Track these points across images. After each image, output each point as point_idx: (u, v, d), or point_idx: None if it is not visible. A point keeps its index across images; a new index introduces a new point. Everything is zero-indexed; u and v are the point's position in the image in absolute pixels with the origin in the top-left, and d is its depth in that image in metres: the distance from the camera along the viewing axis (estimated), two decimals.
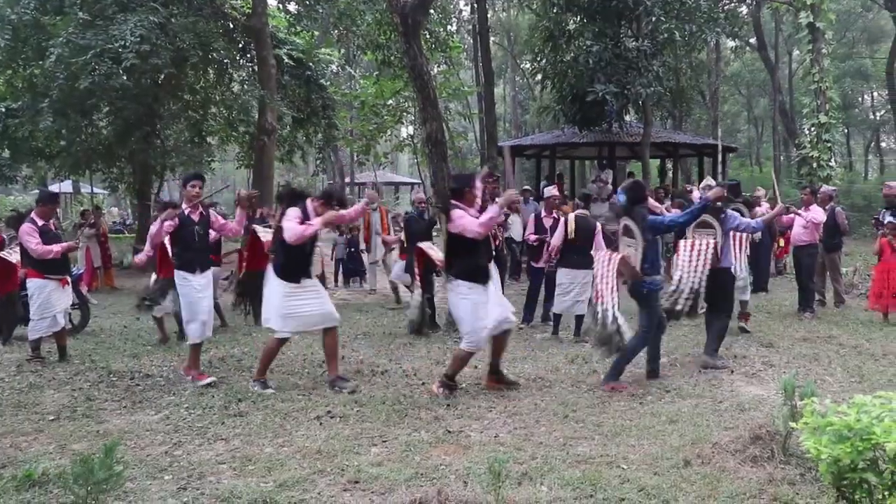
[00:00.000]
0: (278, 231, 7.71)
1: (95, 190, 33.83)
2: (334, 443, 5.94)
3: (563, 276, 10.49)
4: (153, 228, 8.16)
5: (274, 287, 7.65)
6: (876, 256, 12.18)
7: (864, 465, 4.01)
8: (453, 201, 7.47)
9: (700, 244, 8.41)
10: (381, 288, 16.21)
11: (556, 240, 10.58)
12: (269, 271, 7.76)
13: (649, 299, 7.91)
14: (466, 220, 7.22)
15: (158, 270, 10.01)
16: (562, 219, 10.73)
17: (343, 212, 8.02)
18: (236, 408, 7.04)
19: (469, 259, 7.38)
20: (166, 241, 8.54)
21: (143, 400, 7.46)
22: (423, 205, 12.82)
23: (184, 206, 8.21)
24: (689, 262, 8.36)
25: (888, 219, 12.17)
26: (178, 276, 8.15)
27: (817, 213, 12.41)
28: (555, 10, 21.74)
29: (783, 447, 5.30)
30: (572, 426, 6.39)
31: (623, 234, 7.99)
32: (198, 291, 8.09)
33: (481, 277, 7.39)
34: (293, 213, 7.59)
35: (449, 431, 6.26)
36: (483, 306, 7.33)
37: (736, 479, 5.04)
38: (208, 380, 7.98)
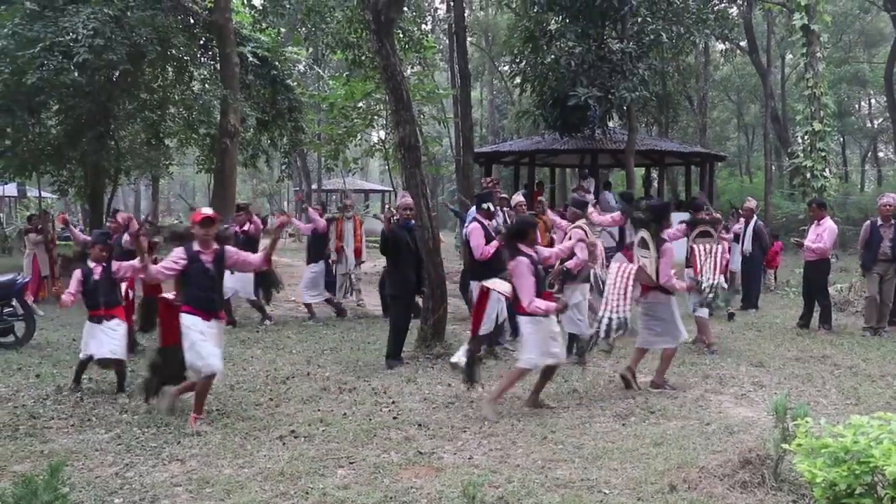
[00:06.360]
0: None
1: (43, 194, 33.49)
2: (298, 464, 5.91)
3: (579, 293, 9.85)
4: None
5: None
6: None
7: (862, 489, 4.02)
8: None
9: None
10: (347, 301, 16.13)
11: (582, 256, 9.58)
12: None
13: None
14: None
15: None
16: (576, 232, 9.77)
17: None
18: (193, 426, 6.98)
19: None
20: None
21: (93, 418, 7.38)
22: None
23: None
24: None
25: None
26: None
27: (823, 229, 12.39)
28: (535, 10, 21.86)
29: (774, 472, 5.32)
30: (551, 448, 6.39)
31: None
32: None
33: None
34: None
35: (420, 452, 6.24)
36: None
37: None
38: None
